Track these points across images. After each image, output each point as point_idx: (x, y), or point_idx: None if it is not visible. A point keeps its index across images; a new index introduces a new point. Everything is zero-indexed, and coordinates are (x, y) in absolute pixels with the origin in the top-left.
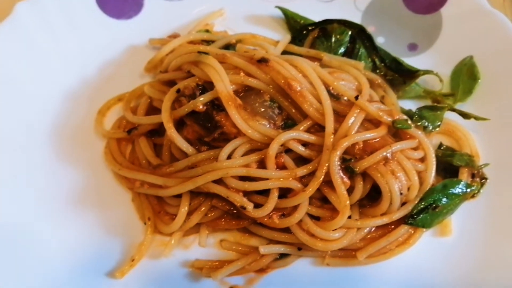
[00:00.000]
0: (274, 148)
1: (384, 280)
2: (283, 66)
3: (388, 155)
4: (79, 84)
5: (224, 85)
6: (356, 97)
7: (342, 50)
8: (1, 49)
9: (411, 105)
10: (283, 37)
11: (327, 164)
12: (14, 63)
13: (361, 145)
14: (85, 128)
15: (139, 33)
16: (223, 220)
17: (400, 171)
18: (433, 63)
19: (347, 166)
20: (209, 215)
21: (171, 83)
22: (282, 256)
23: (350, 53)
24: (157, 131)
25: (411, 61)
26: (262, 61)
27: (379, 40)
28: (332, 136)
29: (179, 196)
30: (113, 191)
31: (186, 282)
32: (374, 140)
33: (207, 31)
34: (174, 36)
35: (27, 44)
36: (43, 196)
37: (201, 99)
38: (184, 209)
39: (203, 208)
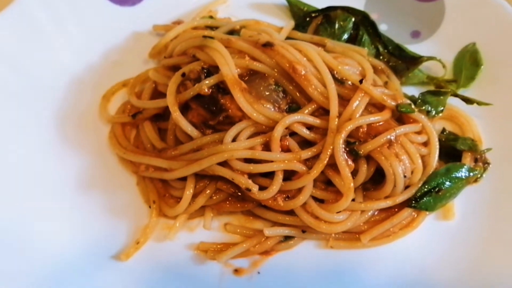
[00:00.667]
0: (279, 131)
1: (387, 263)
2: (288, 50)
3: (392, 138)
4: (83, 70)
5: (230, 68)
6: (361, 81)
7: (345, 36)
8: (7, 36)
9: (414, 91)
10: (286, 23)
11: (331, 147)
12: (19, 49)
13: (365, 129)
14: (89, 114)
15: (143, 19)
16: (227, 203)
17: (403, 154)
18: (436, 50)
19: (351, 149)
20: (214, 197)
21: (175, 68)
22: (287, 238)
23: (353, 40)
24: (162, 116)
25: (414, 48)
26: (267, 45)
27: (382, 28)
28: (336, 120)
29: (184, 179)
30: (118, 175)
31: (191, 264)
32: (378, 124)
33: (211, 17)
34: (178, 22)
35: (32, 31)
36: (49, 181)
37: (207, 82)
38: (189, 192)
39: (208, 191)
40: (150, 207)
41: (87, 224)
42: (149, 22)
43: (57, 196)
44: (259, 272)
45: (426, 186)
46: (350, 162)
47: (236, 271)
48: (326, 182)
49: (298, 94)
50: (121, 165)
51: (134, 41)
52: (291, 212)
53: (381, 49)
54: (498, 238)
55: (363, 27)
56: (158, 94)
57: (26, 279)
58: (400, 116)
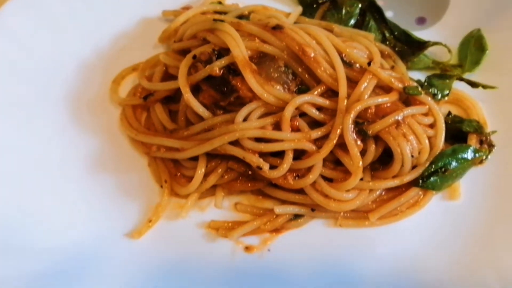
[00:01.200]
0: (289, 111)
1: (394, 241)
2: (298, 33)
3: (400, 118)
4: (93, 55)
5: (240, 50)
6: (369, 64)
7: (352, 22)
8: (18, 21)
9: (420, 75)
10: (294, 9)
11: (340, 127)
12: (30, 34)
13: (373, 110)
14: (100, 97)
15: (152, 5)
16: (238, 182)
17: (411, 135)
18: (441, 36)
19: (360, 129)
20: (225, 177)
21: (185, 52)
22: (296, 217)
23: (360, 26)
24: (172, 98)
25: (420, 34)
26: (277, 28)
27: (388, 14)
28: (345, 101)
29: (195, 159)
30: (129, 157)
31: (202, 242)
32: (385, 105)
33: (220, 3)
34: (187, 8)
35: (43, 16)
36: (62, 163)
37: (218, 63)
38: (201, 171)
39: (220, 170)
40: (161, 186)
41: (100, 204)
42: (158, 8)
43: (69, 178)
44: (269, 250)
45: (433, 166)
46: (358, 142)
47: (247, 248)
48: (335, 162)
49: (307, 76)
50: (132, 146)
51: (143, 27)
52: (300, 191)
53: (387, 34)
54: (503, 218)
55: (369, 13)
56: (168, 77)
57: (39, 257)
58: (406, 99)
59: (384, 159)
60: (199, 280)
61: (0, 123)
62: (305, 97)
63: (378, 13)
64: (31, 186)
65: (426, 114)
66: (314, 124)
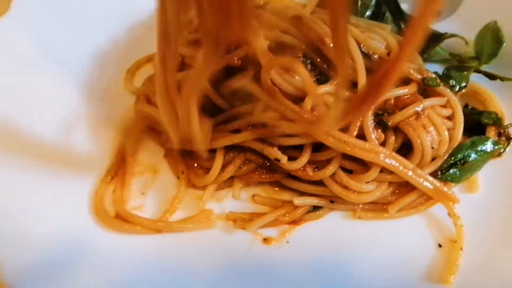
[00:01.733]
0: (310, 101)
1: (412, 233)
2: (316, 23)
3: (419, 110)
4: (108, 46)
5: (259, 40)
6: (388, 54)
7: (368, 13)
8: (32, 11)
9: (435, 68)
10: (309, 0)
11: (360, 118)
12: (45, 24)
13: (393, 101)
14: (114, 88)
15: None
16: (256, 173)
17: (431, 126)
18: (457, 29)
19: (380, 120)
20: (243, 168)
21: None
22: (315, 209)
23: (375, 17)
24: None
25: (435, 27)
26: (296, 18)
27: (403, 7)
28: None
29: (212, 150)
30: (144, 148)
31: (220, 233)
32: (405, 97)
33: None
34: None
35: (59, 6)
36: (75, 154)
37: (236, 53)
38: (219, 162)
39: (238, 161)
40: (178, 177)
41: None
42: None
43: (82, 168)
44: (288, 241)
45: (452, 158)
46: (380, 132)
47: (265, 240)
48: None
49: (326, 67)
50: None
51: None
52: (319, 183)
53: (403, 26)
54: None
55: (385, 5)
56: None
57: (57, 247)
58: (424, 91)
59: (403, 152)
60: (216, 271)
61: (14, 112)
62: (325, 87)
63: (394, 4)
64: (42, 175)
65: (444, 106)
66: None
